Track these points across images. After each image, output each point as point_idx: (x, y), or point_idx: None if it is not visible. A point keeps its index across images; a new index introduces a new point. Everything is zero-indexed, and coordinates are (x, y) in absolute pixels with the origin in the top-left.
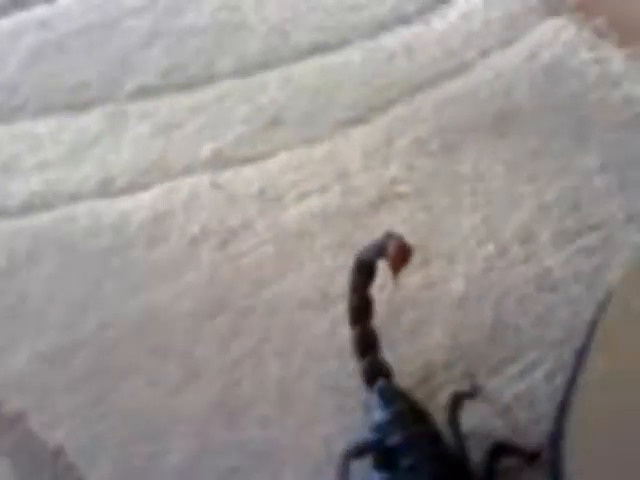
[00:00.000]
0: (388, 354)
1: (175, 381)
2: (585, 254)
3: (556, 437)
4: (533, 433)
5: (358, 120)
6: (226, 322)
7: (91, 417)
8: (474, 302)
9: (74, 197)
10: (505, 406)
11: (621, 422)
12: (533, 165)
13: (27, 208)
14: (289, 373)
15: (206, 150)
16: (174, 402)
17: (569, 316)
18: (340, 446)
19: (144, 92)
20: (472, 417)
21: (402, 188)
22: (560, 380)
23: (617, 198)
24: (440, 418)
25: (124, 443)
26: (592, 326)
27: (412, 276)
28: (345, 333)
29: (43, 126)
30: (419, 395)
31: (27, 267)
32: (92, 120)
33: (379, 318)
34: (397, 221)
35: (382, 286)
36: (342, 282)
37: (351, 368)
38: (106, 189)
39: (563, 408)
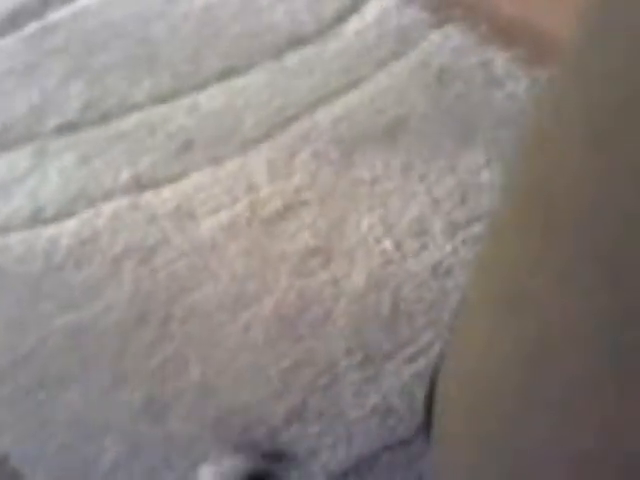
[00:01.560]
0: (294, 348)
1: (105, 387)
2: (472, 243)
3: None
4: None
5: (263, 138)
6: (149, 330)
7: (33, 426)
8: (374, 294)
9: (6, 229)
10: (404, 385)
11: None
12: (424, 165)
13: None
14: (209, 370)
15: (125, 175)
16: (105, 406)
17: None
18: (258, 435)
19: (65, 128)
20: (374, 397)
21: (305, 196)
22: None
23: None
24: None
25: (63, 448)
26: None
27: (317, 275)
28: (257, 330)
29: None
30: (323, 382)
31: None
32: (19, 157)
33: (286, 316)
34: (301, 227)
35: (290, 287)
36: (253, 287)
37: (263, 362)
38: (36, 219)
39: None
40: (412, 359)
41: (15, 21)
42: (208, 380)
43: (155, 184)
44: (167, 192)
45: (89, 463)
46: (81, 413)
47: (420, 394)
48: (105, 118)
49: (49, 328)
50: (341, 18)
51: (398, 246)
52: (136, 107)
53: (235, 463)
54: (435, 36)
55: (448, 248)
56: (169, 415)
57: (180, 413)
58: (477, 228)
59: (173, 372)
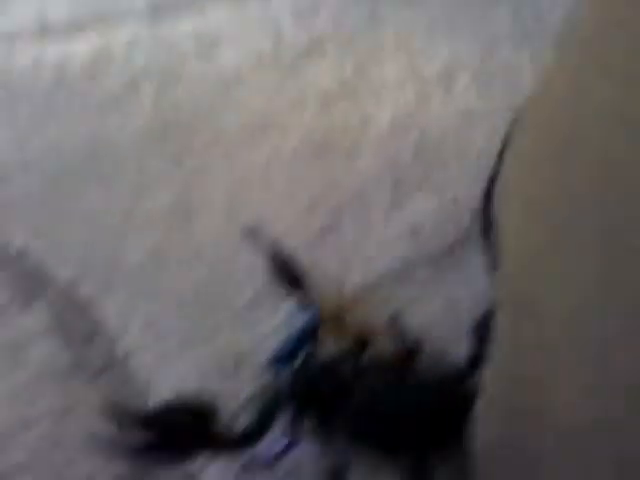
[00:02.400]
0: (324, 175)
1: (130, 191)
2: (498, 94)
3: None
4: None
5: None
6: (173, 145)
7: (52, 222)
8: (401, 131)
9: (11, 38)
10: (434, 209)
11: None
12: (450, 18)
13: None
14: (238, 184)
15: (141, 1)
16: (131, 208)
17: (486, 144)
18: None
19: None
20: (406, 219)
21: (330, 38)
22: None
23: (526, 48)
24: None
25: (87, 243)
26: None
27: (343, 111)
28: (285, 158)
29: None
30: (355, 203)
31: None
32: None
33: (314, 145)
34: (326, 67)
35: (316, 121)
36: (278, 119)
37: (294, 183)
38: (43, 33)
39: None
40: (442, 188)
41: None
42: (238, 191)
43: (175, 13)
44: (188, 22)
45: (114, 259)
46: (104, 211)
47: (450, 218)
48: None
49: (63, 137)
50: None
51: (424, 91)
52: None
53: None
54: None
55: (473, 97)
56: (198, 219)
57: (209, 218)
58: (502, 82)
59: (200, 182)
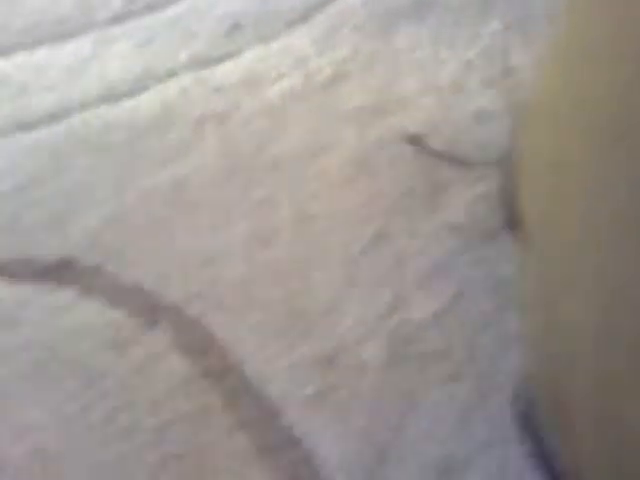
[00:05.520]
0: (370, 187)
1: (212, 224)
2: (507, 94)
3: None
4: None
5: (302, 19)
6: (241, 178)
7: (159, 256)
8: (432, 135)
9: (83, 107)
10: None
11: None
12: (451, 35)
13: (44, 122)
14: (297, 204)
15: (183, 55)
16: (216, 238)
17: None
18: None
19: (114, 20)
20: (444, 215)
21: (353, 65)
22: None
23: (519, 54)
24: None
25: (190, 270)
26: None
27: (379, 125)
28: (335, 172)
29: (39, 55)
30: (399, 208)
31: (64, 167)
32: (80, 45)
33: (359, 160)
34: (355, 89)
35: (359, 135)
36: (327, 137)
37: (347, 195)
38: (110, 96)
39: None
40: (473, 184)
41: None
42: (305, 210)
43: (214, 61)
44: (227, 67)
45: (212, 281)
46: (196, 244)
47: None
48: (149, 8)
49: (150, 183)
50: None
51: (442, 98)
52: None
53: None
54: None
55: (487, 98)
56: (277, 240)
57: (284, 240)
58: (510, 82)
59: (268, 210)
